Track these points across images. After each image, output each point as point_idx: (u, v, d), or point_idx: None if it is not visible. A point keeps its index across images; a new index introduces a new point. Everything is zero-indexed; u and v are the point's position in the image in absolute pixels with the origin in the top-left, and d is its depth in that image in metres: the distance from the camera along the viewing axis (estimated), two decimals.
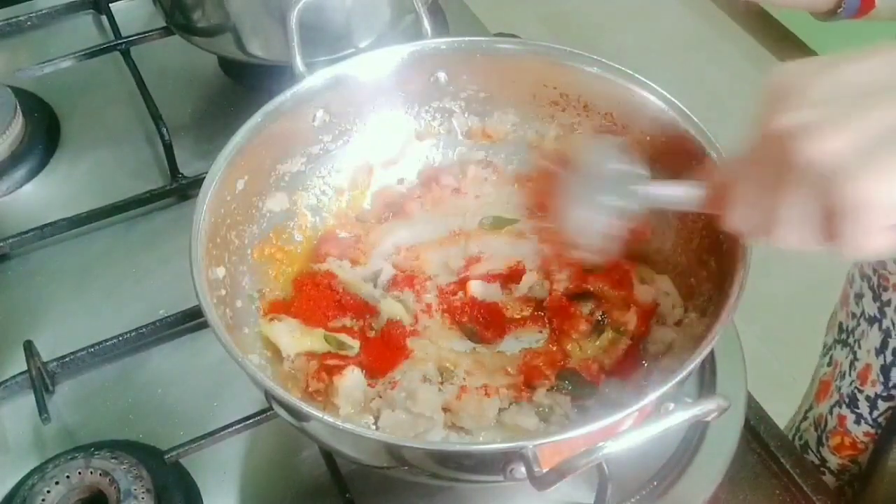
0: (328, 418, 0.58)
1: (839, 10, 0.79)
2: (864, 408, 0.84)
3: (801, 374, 1.04)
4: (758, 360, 0.87)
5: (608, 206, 0.65)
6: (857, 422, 0.85)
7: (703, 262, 0.73)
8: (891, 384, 0.81)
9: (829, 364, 0.93)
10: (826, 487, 0.77)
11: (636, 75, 0.75)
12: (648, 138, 0.78)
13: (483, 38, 0.86)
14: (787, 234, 0.49)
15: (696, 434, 0.76)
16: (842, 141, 0.44)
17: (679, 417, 0.52)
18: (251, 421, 0.75)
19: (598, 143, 0.72)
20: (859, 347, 0.86)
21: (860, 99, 0.45)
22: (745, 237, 0.57)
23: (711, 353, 0.78)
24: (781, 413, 1.04)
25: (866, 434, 0.85)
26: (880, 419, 0.83)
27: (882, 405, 0.83)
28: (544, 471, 0.52)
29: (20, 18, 1.19)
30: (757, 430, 0.79)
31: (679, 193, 0.62)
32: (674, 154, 0.76)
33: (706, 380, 0.79)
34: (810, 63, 0.49)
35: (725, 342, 0.80)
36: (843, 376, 0.88)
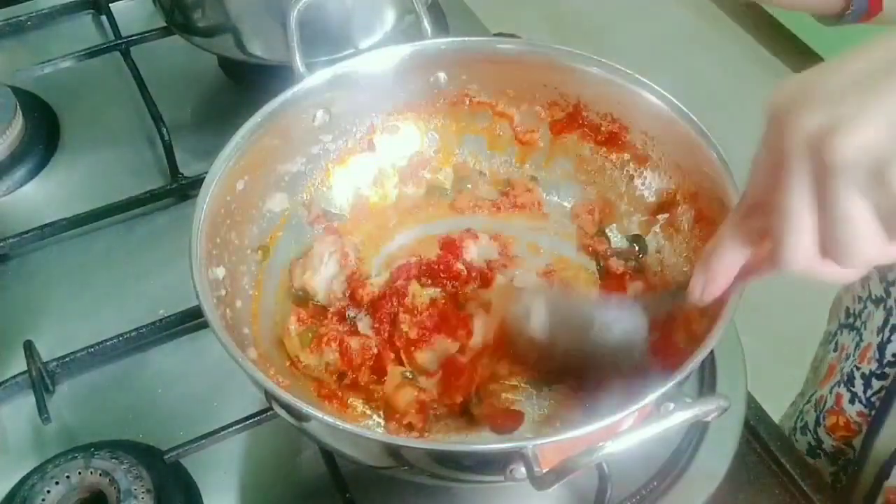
0: (328, 418, 0.58)
1: (846, 14, 0.78)
2: (858, 386, 0.84)
3: (801, 374, 1.04)
4: (758, 360, 0.87)
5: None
6: (852, 401, 0.85)
7: None
8: (885, 361, 0.81)
9: (834, 350, 0.93)
10: (826, 487, 0.77)
11: (636, 75, 0.75)
12: (649, 137, 0.78)
13: (483, 38, 0.86)
14: (856, 243, 0.44)
15: (696, 434, 0.76)
16: (872, 126, 0.42)
17: (679, 417, 0.52)
18: (251, 421, 0.75)
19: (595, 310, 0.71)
20: (865, 329, 0.86)
21: (874, 84, 0.43)
22: (805, 273, 0.48)
23: (711, 353, 0.78)
24: (781, 411, 1.04)
25: (860, 414, 0.84)
26: (873, 399, 0.83)
27: (875, 384, 0.82)
28: (544, 471, 0.52)
29: (20, 18, 1.19)
30: (757, 430, 0.78)
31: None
32: (674, 151, 0.77)
33: (706, 380, 0.79)
34: (809, 71, 0.47)
35: (725, 342, 0.80)
36: (847, 358, 0.88)
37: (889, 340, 0.81)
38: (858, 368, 0.84)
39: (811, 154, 0.44)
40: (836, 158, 0.43)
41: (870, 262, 0.46)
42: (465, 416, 0.72)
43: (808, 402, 0.96)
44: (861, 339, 0.86)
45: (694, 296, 0.57)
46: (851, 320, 0.90)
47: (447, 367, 0.73)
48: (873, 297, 0.85)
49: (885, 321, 0.82)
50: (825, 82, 0.45)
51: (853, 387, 0.85)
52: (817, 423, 0.91)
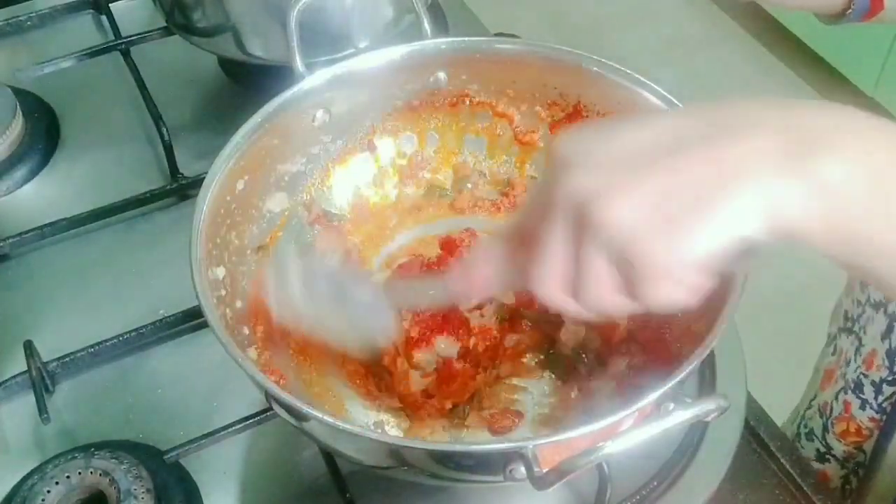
0: (328, 418, 0.58)
1: (847, 13, 0.78)
2: (869, 393, 0.84)
3: (801, 374, 1.04)
4: (758, 360, 0.87)
5: None
6: (862, 407, 0.85)
7: None
8: (895, 368, 0.81)
9: (833, 353, 0.93)
10: (826, 487, 0.77)
11: (636, 75, 0.75)
12: None
13: (483, 38, 0.86)
14: (593, 293, 0.49)
15: (696, 434, 0.76)
16: (627, 205, 0.45)
17: (679, 417, 0.52)
18: (251, 421, 0.75)
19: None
20: (864, 333, 0.86)
21: (642, 163, 0.46)
22: (548, 301, 0.52)
23: (711, 353, 0.78)
24: (782, 411, 1.04)
25: (871, 420, 0.85)
26: (885, 404, 0.83)
27: (887, 389, 0.82)
28: (544, 471, 0.52)
29: (20, 18, 1.19)
30: (757, 430, 0.78)
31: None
32: None
33: (706, 380, 0.79)
34: (600, 128, 0.50)
35: (725, 342, 0.80)
36: (848, 363, 0.88)
37: None
38: (866, 376, 0.84)
39: (574, 211, 0.47)
40: (592, 222, 0.46)
41: (606, 311, 0.50)
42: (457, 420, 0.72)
43: (810, 407, 0.96)
44: (861, 344, 0.86)
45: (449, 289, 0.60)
46: (850, 324, 0.90)
47: (442, 370, 0.73)
48: (872, 301, 0.85)
49: (890, 326, 0.82)
50: (608, 147, 0.48)
51: (862, 393, 0.85)
52: (825, 429, 0.91)
